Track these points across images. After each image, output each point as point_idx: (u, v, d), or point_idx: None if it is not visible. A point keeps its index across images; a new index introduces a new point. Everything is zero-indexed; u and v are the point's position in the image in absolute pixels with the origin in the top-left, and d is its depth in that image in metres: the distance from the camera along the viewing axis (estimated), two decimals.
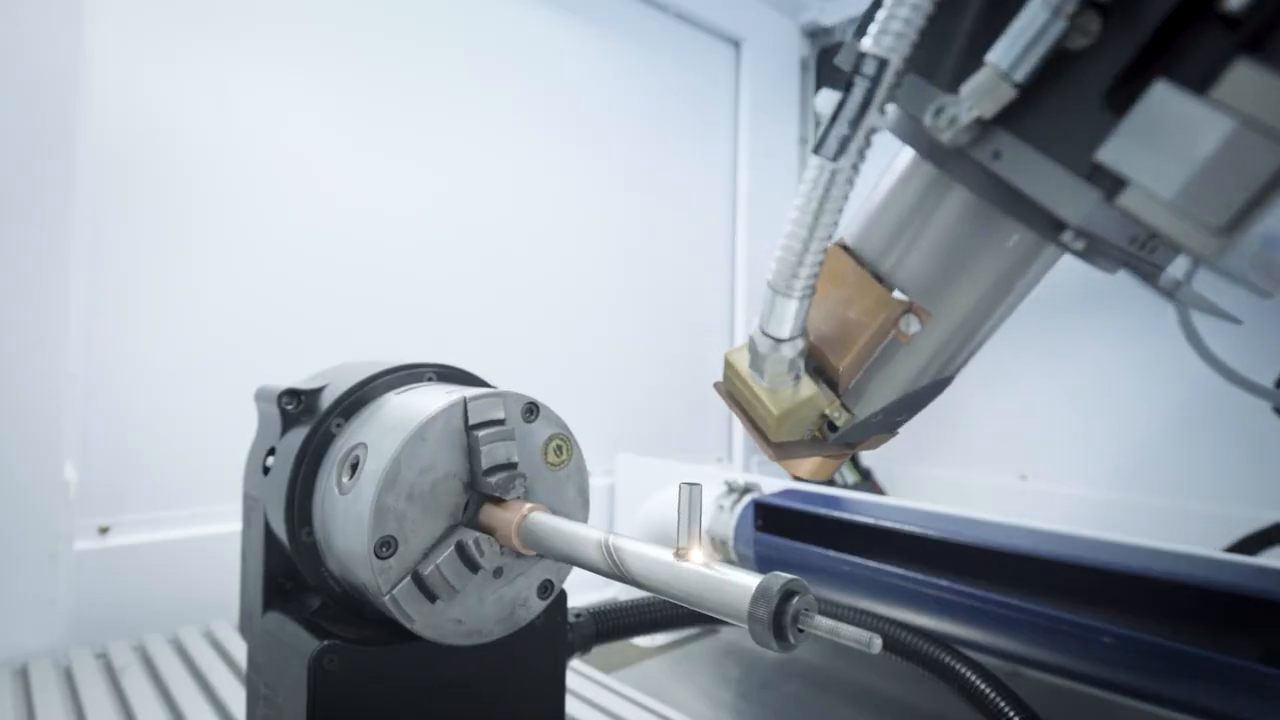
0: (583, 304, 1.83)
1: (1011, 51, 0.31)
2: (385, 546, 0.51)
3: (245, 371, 1.30)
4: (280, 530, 0.59)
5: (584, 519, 0.60)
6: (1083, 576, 0.93)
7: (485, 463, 0.53)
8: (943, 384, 0.44)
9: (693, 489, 0.40)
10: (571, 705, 0.91)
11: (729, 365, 0.46)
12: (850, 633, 0.37)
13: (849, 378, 0.42)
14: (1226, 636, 0.84)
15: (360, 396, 0.61)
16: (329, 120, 1.45)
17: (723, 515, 1.32)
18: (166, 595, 1.19)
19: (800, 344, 0.40)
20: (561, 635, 0.64)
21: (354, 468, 0.55)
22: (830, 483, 1.96)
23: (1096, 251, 0.37)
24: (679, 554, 0.42)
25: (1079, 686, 0.98)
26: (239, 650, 1.04)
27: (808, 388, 0.42)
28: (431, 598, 0.52)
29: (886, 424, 0.46)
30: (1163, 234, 0.29)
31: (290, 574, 0.61)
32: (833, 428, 0.43)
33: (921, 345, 0.41)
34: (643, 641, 1.36)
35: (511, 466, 0.54)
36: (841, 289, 0.42)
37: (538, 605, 0.58)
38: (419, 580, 0.52)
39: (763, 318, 0.40)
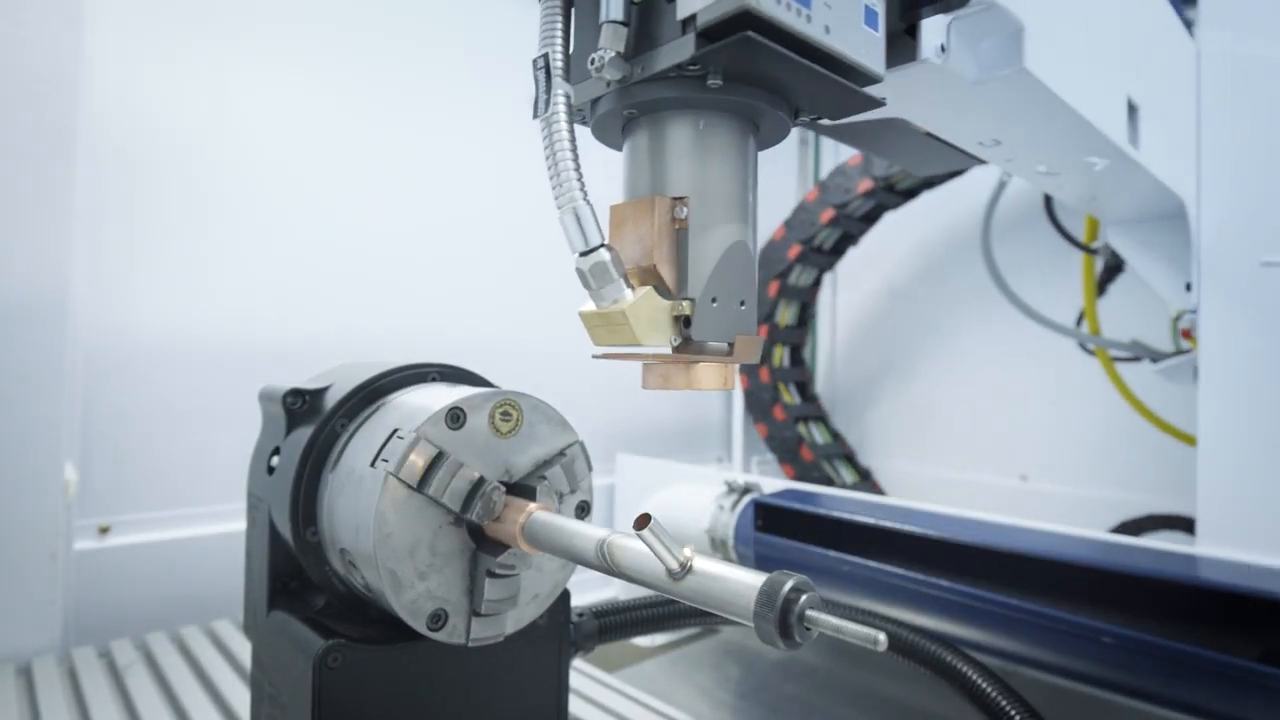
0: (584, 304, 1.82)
1: (607, 7, 0.49)
2: (436, 620, 0.53)
3: (245, 371, 1.30)
4: (285, 530, 0.59)
5: (575, 437, 0.60)
6: (1083, 576, 0.94)
7: (455, 505, 0.53)
8: (743, 251, 0.54)
9: (647, 529, 0.42)
10: (573, 704, 0.91)
11: (583, 317, 0.53)
12: (855, 631, 0.37)
13: (671, 271, 0.52)
14: (1226, 636, 0.84)
15: (364, 396, 0.61)
16: (329, 120, 1.45)
17: (723, 515, 1.32)
18: (167, 595, 1.19)
19: (607, 253, 0.50)
20: (564, 634, 0.64)
21: (355, 567, 0.55)
22: (830, 483, 1.96)
23: (737, 85, 0.50)
24: (675, 576, 0.43)
25: (1079, 686, 0.98)
26: (242, 649, 1.04)
27: (644, 290, 0.51)
28: (500, 613, 0.55)
29: (735, 315, 0.53)
30: (731, 17, 0.44)
31: (295, 573, 0.62)
32: (688, 324, 0.52)
33: (699, 222, 0.52)
34: (643, 641, 1.36)
35: (479, 485, 0.54)
36: (628, 223, 0.54)
37: None
38: (481, 616, 0.54)
39: (571, 244, 0.51)
